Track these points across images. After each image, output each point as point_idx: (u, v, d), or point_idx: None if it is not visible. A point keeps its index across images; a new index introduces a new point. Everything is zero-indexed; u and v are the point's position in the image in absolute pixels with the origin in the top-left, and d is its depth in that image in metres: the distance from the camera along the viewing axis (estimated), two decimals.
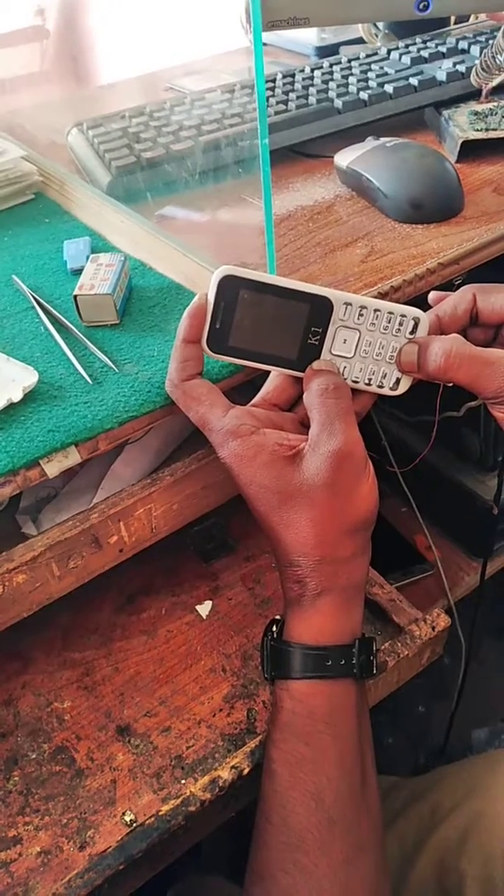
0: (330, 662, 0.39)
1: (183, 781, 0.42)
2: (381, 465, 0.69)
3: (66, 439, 0.39)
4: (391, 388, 0.42)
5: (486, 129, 0.61)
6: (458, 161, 0.60)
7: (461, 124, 0.62)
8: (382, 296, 0.49)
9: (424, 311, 0.42)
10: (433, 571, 0.78)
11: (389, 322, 0.41)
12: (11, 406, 0.41)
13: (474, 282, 0.44)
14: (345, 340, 0.41)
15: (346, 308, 0.41)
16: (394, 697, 0.51)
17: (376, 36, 0.83)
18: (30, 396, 0.41)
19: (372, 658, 0.40)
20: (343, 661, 0.39)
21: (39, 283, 0.51)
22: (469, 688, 0.79)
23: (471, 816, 0.53)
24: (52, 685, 0.47)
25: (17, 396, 0.40)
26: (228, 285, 0.39)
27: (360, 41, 0.84)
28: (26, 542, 0.41)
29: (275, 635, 0.41)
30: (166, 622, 0.50)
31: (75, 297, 0.46)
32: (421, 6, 0.76)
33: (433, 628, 0.47)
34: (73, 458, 0.40)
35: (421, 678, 0.53)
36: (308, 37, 0.85)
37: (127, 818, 0.40)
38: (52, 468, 0.40)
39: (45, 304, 0.48)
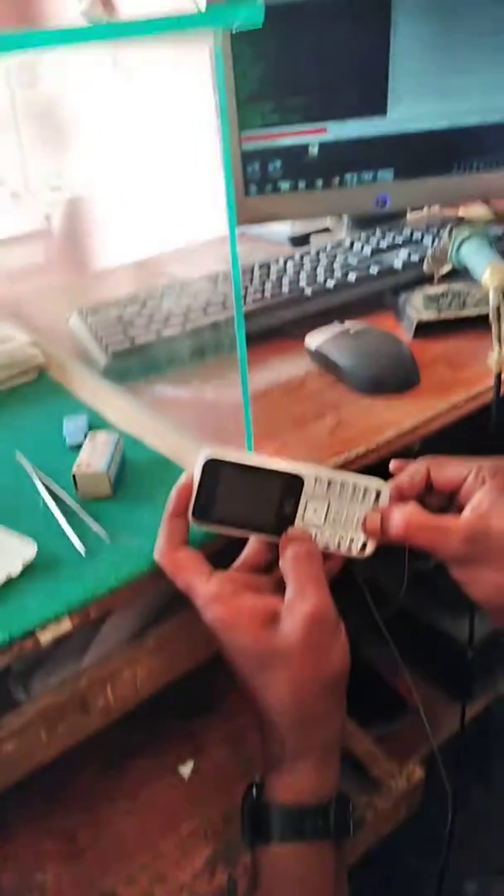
0: (308, 824, 0.40)
1: None
2: (361, 609, 0.72)
3: (60, 609, 0.42)
4: (359, 552, 0.46)
5: (439, 311, 0.70)
6: (413, 338, 0.69)
7: (416, 306, 0.71)
8: (349, 462, 0.54)
9: (386, 478, 0.47)
10: (415, 715, 0.78)
11: (354, 492, 0.46)
12: (10, 578, 0.44)
13: (431, 445, 0.49)
14: (315, 510, 0.46)
15: (315, 482, 0.46)
16: (383, 850, 0.50)
17: (342, 223, 0.96)
18: (27, 568, 0.45)
19: (348, 818, 0.41)
20: (321, 822, 0.40)
21: (41, 458, 0.57)
22: (458, 837, 0.76)
23: None
24: (34, 856, 0.47)
25: (16, 571, 0.44)
26: (212, 465, 0.45)
27: (328, 230, 0.97)
28: (17, 710, 0.43)
29: (254, 798, 0.42)
30: (147, 784, 0.50)
31: (74, 474, 0.51)
32: (380, 203, 0.89)
33: (408, 781, 0.48)
34: (65, 626, 0.43)
35: (409, 829, 0.53)
36: (282, 227, 0.98)
37: None
38: (46, 637, 0.43)
39: (46, 478, 0.53)
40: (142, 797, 0.49)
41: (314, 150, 0.82)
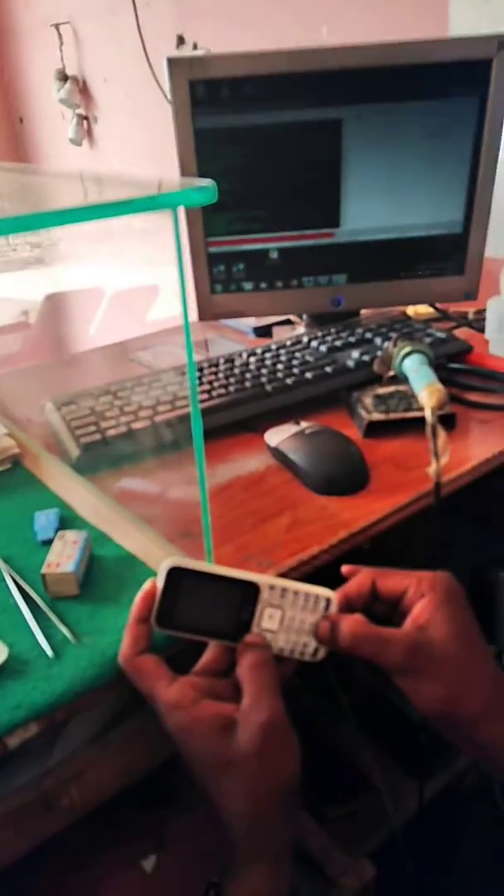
0: None
1: None
2: (323, 687, 0.75)
3: (29, 715, 0.45)
4: (311, 656, 0.50)
5: (387, 412, 0.76)
6: (364, 437, 0.74)
7: (367, 406, 0.77)
8: (303, 563, 0.59)
9: (337, 577, 0.51)
10: (378, 794, 0.80)
11: (306, 601, 0.50)
12: None
13: (380, 540, 0.53)
14: (270, 616, 0.50)
15: (270, 590, 0.50)
16: None
17: (301, 318, 1.02)
18: None
19: None
20: None
21: (11, 553, 0.59)
22: None
23: None
24: None
25: None
26: (174, 574, 0.48)
27: (289, 321, 1.03)
28: None
29: None
30: (111, 880, 0.52)
31: (43, 574, 0.54)
32: (334, 303, 0.96)
33: (359, 878, 0.51)
34: (31, 731, 0.45)
35: None
36: (247, 319, 1.04)
37: None
38: (14, 742, 0.45)
39: (16, 575, 0.56)
40: (106, 894, 0.51)
41: (274, 255, 0.88)
